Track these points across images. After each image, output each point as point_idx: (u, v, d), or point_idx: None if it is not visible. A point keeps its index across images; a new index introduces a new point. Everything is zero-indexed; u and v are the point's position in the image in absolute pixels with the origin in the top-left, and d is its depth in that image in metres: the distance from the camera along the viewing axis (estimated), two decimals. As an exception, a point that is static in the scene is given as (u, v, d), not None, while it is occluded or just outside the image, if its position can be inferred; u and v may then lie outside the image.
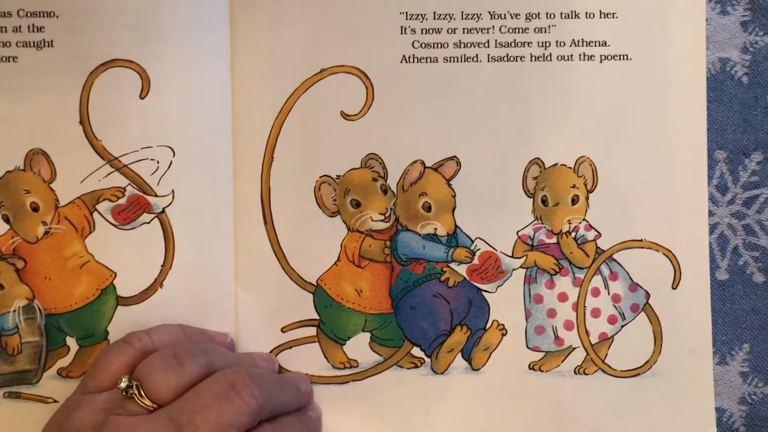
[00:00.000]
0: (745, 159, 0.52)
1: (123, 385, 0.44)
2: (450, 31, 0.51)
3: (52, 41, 0.51)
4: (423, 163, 0.51)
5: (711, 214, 0.52)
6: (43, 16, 0.50)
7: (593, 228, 0.51)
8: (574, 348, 0.51)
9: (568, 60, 0.51)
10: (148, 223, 0.51)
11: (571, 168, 0.51)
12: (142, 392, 0.43)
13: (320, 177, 0.51)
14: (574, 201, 0.51)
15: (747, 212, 0.53)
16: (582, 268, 0.51)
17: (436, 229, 0.51)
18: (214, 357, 0.46)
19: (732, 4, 0.52)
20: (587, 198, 0.51)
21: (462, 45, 0.51)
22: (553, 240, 0.51)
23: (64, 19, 0.50)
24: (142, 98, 0.50)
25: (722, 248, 0.53)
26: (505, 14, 0.52)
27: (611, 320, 0.51)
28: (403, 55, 0.51)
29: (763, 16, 0.52)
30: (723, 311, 0.53)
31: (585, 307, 0.51)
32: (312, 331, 0.51)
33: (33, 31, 0.50)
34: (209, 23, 0.50)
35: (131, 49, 0.50)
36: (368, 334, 0.51)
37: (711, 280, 0.52)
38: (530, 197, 0.51)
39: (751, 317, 0.53)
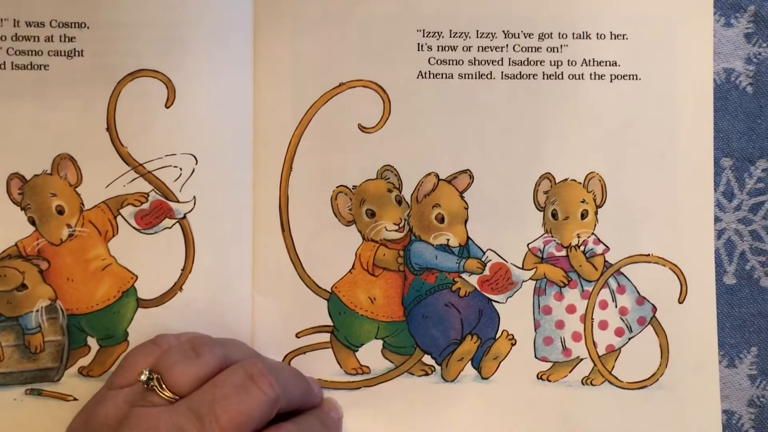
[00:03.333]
0: (751, 166, 0.52)
1: (144, 378, 0.44)
2: (465, 48, 0.52)
3: (82, 51, 0.51)
4: (437, 175, 0.51)
5: (718, 220, 0.52)
6: (75, 27, 0.51)
7: (602, 242, 0.52)
8: (582, 359, 0.51)
9: (579, 79, 0.52)
10: (170, 228, 0.51)
11: (581, 183, 0.52)
12: (163, 384, 0.43)
13: (337, 187, 0.51)
14: (584, 215, 0.51)
15: (753, 218, 0.53)
16: (590, 281, 0.52)
17: (448, 240, 0.51)
18: (232, 349, 0.46)
19: (735, 16, 0.53)
20: (596, 213, 0.52)
21: (477, 62, 0.52)
22: (563, 253, 0.52)
23: (95, 30, 0.51)
24: (168, 107, 0.51)
25: (729, 253, 0.53)
26: (518, 33, 0.52)
27: (618, 332, 0.52)
28: (420, 71, 0.52)
29: (766, 28, 0.53)
30: (731, 315, 0.53)
31: (593, 319, 0.51)
32: (326, 337, 0.51)
33: (64, 41, 0.50)
34: (233, 36, 0.51)
35: (158, 59, 0.51)
36: (380, 342, 0.51)
37: (719, 285, 0.52)
38: (541, 211, 0.52)
39: (758, 320, 0.53)
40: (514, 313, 0.51)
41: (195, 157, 0.51)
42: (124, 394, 0.44)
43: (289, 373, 0.48)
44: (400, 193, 0.51)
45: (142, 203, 0.51)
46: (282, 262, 0.51)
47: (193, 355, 0.44)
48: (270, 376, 0.43)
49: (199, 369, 0.44)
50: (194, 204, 0.51)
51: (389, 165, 0.51)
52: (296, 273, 0.51)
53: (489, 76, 0.52)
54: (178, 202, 0.51)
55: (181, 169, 0.51)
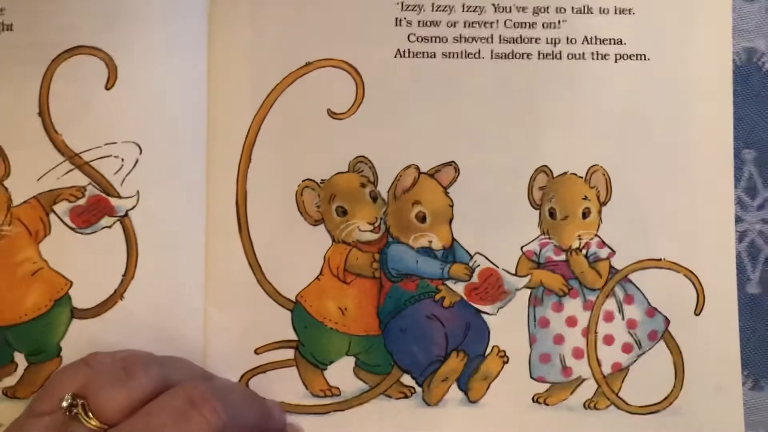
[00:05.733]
0: (776, 159, 0.49)
1: (66, 404, 0.40)
2: (450, 24, 0.49)
3: (11, 25, 0.47)
4: (418, 168, 0.48)
5: (740, 220, 0.49)
6: (3, -3, 0.47)
7: (606, 245, 0.48)
8: (584, 379, 0.48)
9: (579, 58, 0.48)
10: (110, 227, 0.47)
11: (582, 178, 0.48)
12: (89, 411, 0.39)
13: (303, 181, 0.48)
14: (586, 214, 0.48)
15: (780, 218, 0.49)
16: (594, 290, 0.48)
17: (430, 242, 0.48)
18: (174, 369, 0.42)
19: (758, -10, 0.49)
20: (600, 211, 0.48)
21: (463, 40, 0.48)
22: (562, 257, 0.48)
23: (26, 0, 0.47)
24: (108, 89, 0.47)
25: (753, 258, 0.49)
26: (510, 7, 0.49)
27: (626, 349, 0.48)
28: (398, 50, 0.48)
29: (793, 3, 0.48)
30: (755, 329, 0.49)
31: (596, 333, 0.48)
32: (289, 353, 0.48)
33: (-9, 13, 0.47)
34: (185, 11, 0.47)
35: (98, 35, 0.47)
36: (353, 359, 0.48)
37: (741, 295, 0.48)
38: (537, 209, 0.48)
39: (787, 335, 0.49)
40: (507, 326, 0.48)
41: (139, 146, 0.47)
42: (44, 422, 0.40)
43: (241, 396, 0.43)
44: (376, 188, 0.48)
45: (78, 198, 0.47)
46: (239, 268, 0.47)
47: (125, 376, 0.40)
48: (215, 400, 0.39)
49: (131, 393, 0.40)
50: (137, 200, 0.47)
51: (363, 156, 0.48)
52: (255, 280, 0.47)
53: (477, 55, 0.48)
54: (119, 197, 0.47)
55: (122, 159, 0.47)
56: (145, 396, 0.40)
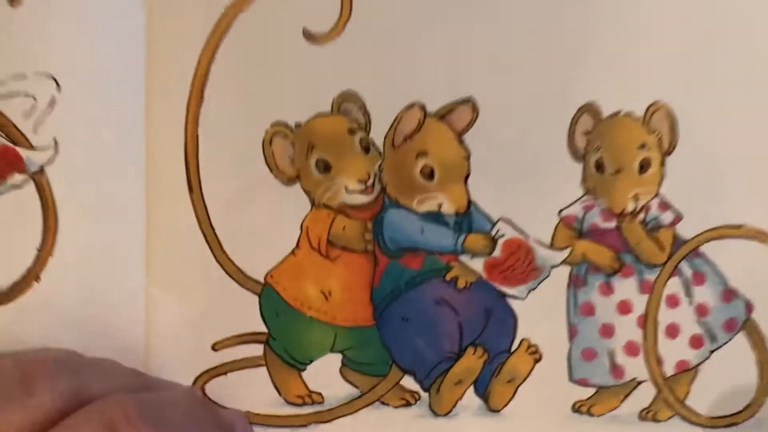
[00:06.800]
0: None
1: None
2: None
3: None
4: (423, 108, 0.43)
5: None
6: None
7: (671, 207, 0.44)
8: (640, 382, 0.44)
9: None
10: (20, 187, 0.42)
11: (639, 120, 0.43)
12: None
13: (272, 126, 0.43)
14: (644, 167, 0.44)
15: None
16: (653, 266, 0.44)
17: (440, 205, 0.44)
18: (91, 377, 0.38)
19: None
20: (662, 163, 0.44)
21: None
22: (612, 224, 0.44)
23: None
24: (13, 6, 0.41)
25: None
26: None
27: (695, 343, 0.44)
28: None
29: None
30: None
31: (657, 323, 0.44)
32: (257, 349, 0.44)
33: None
34: None
35: None
36: (339, 356, 0.44)
37: None
38: (580, 161, 0.44)
39: None
40: (539, 314, 0.44)
41: (56, 80, 0.41)
42: None
43: (187, 410, 0.39)
44: (368, 135, 0.43)
45: (-24, 150, 0.42)
46: (190, 239, 0.43)
47: (22, 392, 0.36)
48: (143, 421, 0.35)
49: (27, 415, 0.35)
50: (55, 151, 0.42)
51: (350, 91, 0.43)
52: (211, 255, 0.43)
53: (501, -44, 0.43)
54: (30, 148, 0.42)
55: (35, 98, 0.41)
56: (48, 417, 0.36)
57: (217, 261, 0.43)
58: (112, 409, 0.35)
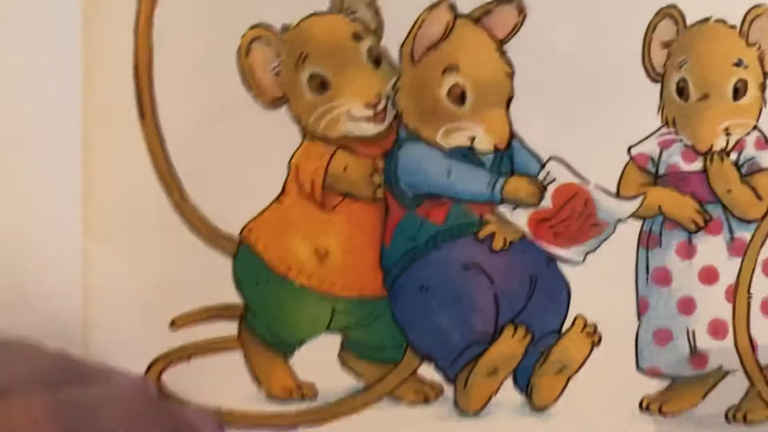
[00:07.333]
0: None
1: None
2: None
3: None
4: (452, 7, 0.38)
5: None
6: None
7: None
8: (727, 372, 0.40)
9: None
10: None
11: (735, 28, 0.39)
12: None
13: (250, 29, 0.38)
14: (739, 92, 0.39)
15: None
16: (748, 222, 0.40)
17: (473, 138, 0.39)
18: None
19: None
20: (763, 87, 0.39)
21: None
22: (697, 166, 0.39)
23: None
24: None
25: None
26: None
27: None
28: None
29: None
30: None
31: (750, 295, 0.39)
32: (231, 328, 0.39)
33: None
34: None
35: None
36: (338, 337, 0.40)
37: None
38: (656, 82, 0.39)
39: None
40: (599, 283, 0.39)
41: None
42: None
43: (127, 410, 0.34)
44: (379, 42, 0.39)
45: None
46: (140, 182, 0.38)
47: None
48: (55, 426, 0.31)
49: None
50: None
51: None
52: (168, 202, 0.38)
53: None
54: None
55: None
56: None
57: (177, 210, 0.38)
58: (15, 412, 0.30)
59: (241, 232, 0.39)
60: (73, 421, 0.31)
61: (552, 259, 0.39)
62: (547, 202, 0.38)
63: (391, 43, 0.38)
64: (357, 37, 0.38)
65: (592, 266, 0.39)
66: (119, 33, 0.37)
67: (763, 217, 0.39)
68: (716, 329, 0.40)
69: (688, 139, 0.39)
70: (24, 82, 0.38)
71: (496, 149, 0.38)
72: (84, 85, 0.38)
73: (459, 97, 0.38)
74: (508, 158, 0.39)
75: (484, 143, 0.38)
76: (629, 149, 0.39)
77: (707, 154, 0.39)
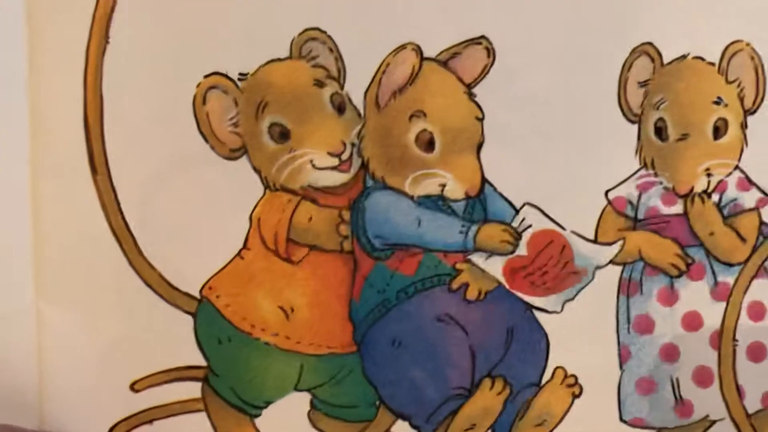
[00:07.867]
0: None
1: None
2: None
3: None
4: (418, 50, 0.37)
5: None
6: None
7: (755, 185, 0.39)
8: (713, 422, 0.39)
9: None
10: None
11: (714, 65, 0.38)
12: None
13: (207, 77, 0.37)
14: (719, 131, 0.38)
15: None
16: (731, 265, 0.39)
17: (443, 185, 0.38)
18: None
19: None
20: (744, 126, 0.38)
21: None
22: (677, 209, 0.39)
23: None
24: None
25: None
26: None
27: None
28: None
29: None
30: None
31: (735, 342, 0.39)
32: (194, 389, 0.38)
33: None
34: None
35: None
36: (306, 396, 0.38)
37: None
38: (633, 122, 0.38)
39: None
40: (579, 333, 0.39)
41: None
42: None
43: None
44: (342, 88, 0.38)
45: None
46: (94, 239, 0.37)
47: None
48: None
49: None
50: None
51: (316, 29, 0.37)
52: (124, 258, 0.37)
53: None
54: None
55: None
56: None
57: (132, 267, 0.37)
58: None
59: (202, 289, 0.38)
60: None
61: (529, 309, 0.38)
62: (522, 250, 0.38)
63: (355, 89, 0.38)
64: (319, 84, 0.37)
65: (571, 315, 0.38)
66: (67, 83, 0.36)
67: (747, 260, 0.39)
68: (701, 377, 0.39)
69: (667, 182, 0.39)
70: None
71: (468, 196, 0.38)
72: (32, 138, 0.37)
73: (427, 143, 0.37)
74: (480, 205, 0.38)
75: (455, 191, 0.38)
76: (606, 193, 0.38)
77: (689, 197, 0.39)
